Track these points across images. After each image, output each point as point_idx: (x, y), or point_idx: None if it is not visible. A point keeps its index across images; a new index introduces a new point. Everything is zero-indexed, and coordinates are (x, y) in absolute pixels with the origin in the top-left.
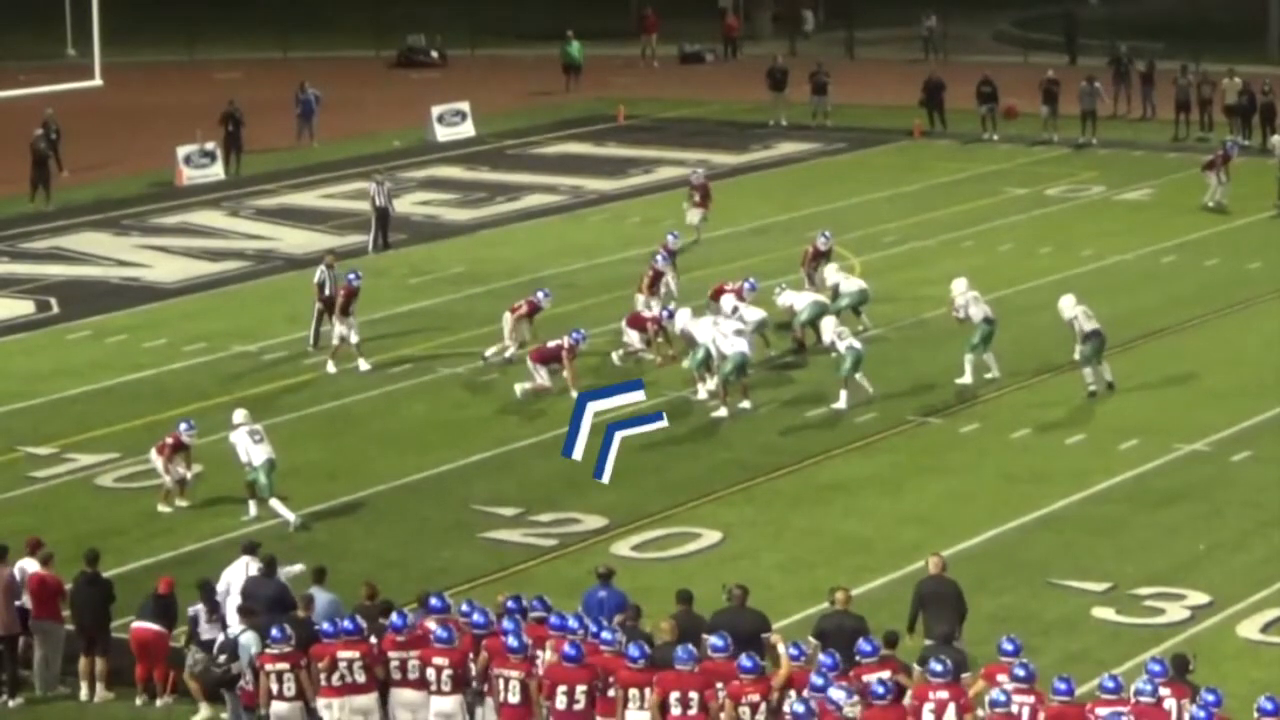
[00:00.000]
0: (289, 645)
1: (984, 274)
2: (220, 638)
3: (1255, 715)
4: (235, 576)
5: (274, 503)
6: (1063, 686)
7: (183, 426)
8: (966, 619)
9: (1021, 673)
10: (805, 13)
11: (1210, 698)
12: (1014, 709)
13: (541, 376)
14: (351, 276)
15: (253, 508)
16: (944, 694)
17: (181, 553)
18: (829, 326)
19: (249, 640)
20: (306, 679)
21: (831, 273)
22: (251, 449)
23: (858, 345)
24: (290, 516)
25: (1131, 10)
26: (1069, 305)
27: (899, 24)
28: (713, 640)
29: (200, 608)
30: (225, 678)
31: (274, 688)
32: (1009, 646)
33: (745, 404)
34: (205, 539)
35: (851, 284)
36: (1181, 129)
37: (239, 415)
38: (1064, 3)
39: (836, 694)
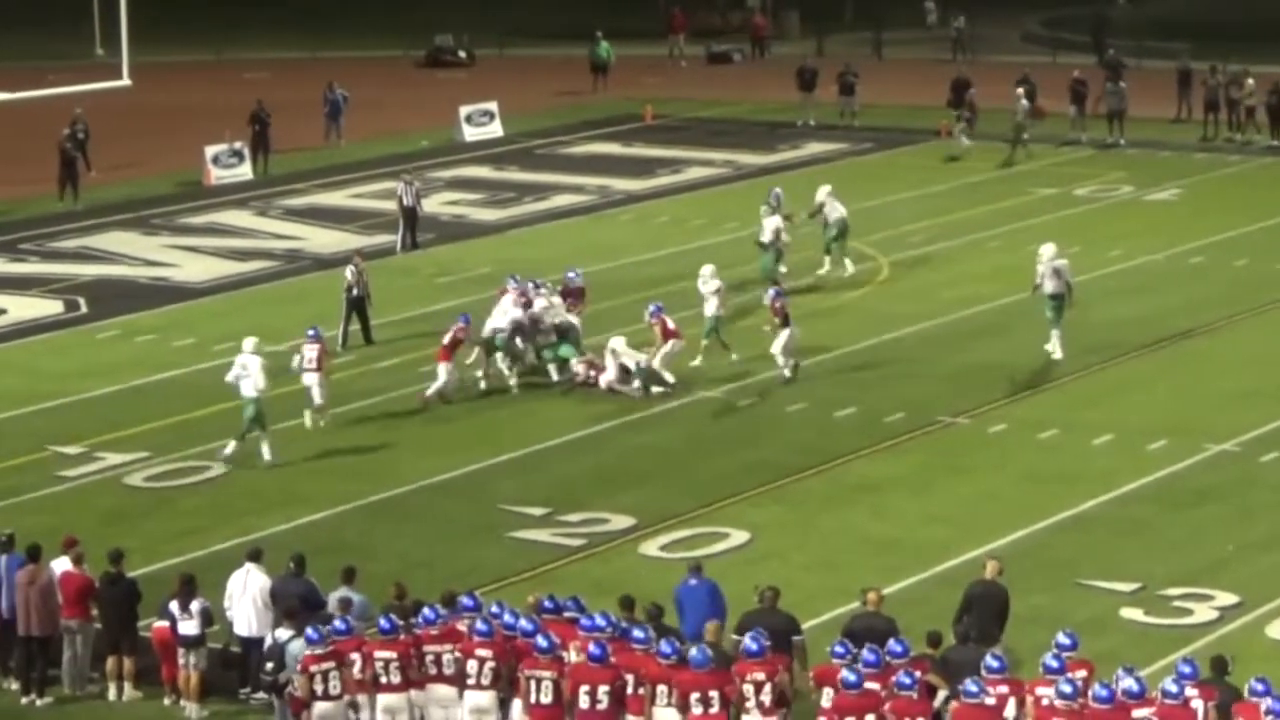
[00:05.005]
0: (328, 645)
1: (1011, 274)
2: (267, 642)
3: None
4: (236, 586)
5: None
6: (1104, 694)
7: None
8: (1008, 623)
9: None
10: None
11: None
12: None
13: (445, 372)
14: (573, 275)
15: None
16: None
17: (209, 553)
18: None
19: (298, 648)
20: (350, 676)
21: (823, 194)
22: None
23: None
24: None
25: (1159, 10)
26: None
27: (927, 24)
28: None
29: (175, 603)
30: (274, 686)
31: (318, 688)
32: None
33: (513, 381)
34: (231, 539)
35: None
36: (1210, 129)
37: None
38: (1093, 3)
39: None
